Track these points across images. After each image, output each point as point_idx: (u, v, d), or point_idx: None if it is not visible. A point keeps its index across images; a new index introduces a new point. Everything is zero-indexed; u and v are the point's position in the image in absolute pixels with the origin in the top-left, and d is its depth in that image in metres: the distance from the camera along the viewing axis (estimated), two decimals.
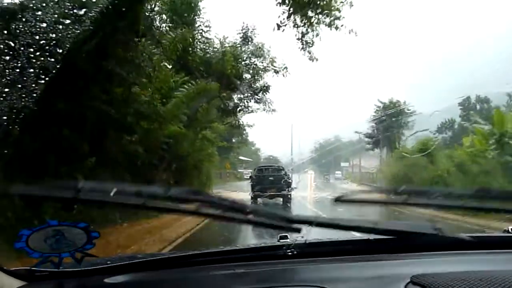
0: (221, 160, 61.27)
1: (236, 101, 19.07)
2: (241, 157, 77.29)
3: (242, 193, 28.19)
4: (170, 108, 12.12)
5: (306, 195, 25.88)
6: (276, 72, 17.75)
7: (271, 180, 20.03)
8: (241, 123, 22.21)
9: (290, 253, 1.50)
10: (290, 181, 20.42)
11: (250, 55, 17.55)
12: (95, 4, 6.84)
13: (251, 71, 17.95)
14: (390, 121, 39.56)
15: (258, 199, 19.64)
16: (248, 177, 26.37)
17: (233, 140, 67.15)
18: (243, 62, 17.38)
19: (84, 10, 6.45)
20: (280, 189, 19.33)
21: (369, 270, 1.43)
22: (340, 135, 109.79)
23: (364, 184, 53.76)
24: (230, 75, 16.00)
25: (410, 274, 1.26)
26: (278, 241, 1.62)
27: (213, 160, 22.19)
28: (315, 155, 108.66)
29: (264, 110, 19.21)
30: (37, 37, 5.69)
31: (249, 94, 18.74)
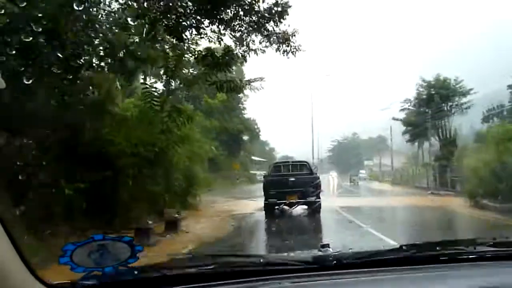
0: (228, 160, 51.47)
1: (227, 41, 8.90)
2: (253, 157, 67.93)
3: (247, 201, 20.38)
4: None
5: (335, 205, 17.34)
6: None
7: (293, 181, 14.45)
8: (241, 82, 11.89)
9: (336, 264, 1.43)
10: (318, 182, 14.78)
11: None
12: None
13: None
14: (439, 103, 29.51)
15: (275, 208, 14.64)
16: (262, 178, 20.14)
17: (244, 138, 57.30)
18: None
19: None
20: (305, 195, 14.03)
21: (428, 282, 1.35)
22: (358, 132, 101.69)
23: (402, 185, 44.46)
24: None
25: (472, 287, 1.21)
26: (319, 250, 1.56)
27: (197, 151, 12.50)
28: (332, 154, 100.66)
29: (279, 50, 8.78)
30: None
31: (249, 26, 8.58)
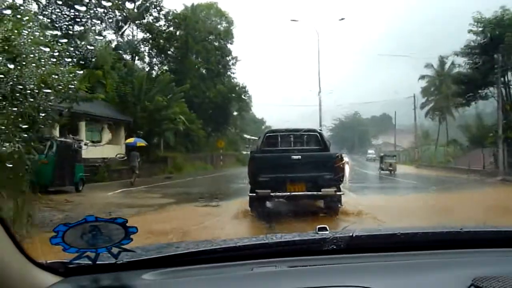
0: (211, 138, 41.72)
1: None
2: (245, 135, 56.74)
3: (202, 209, 10.82)
4: None
5: None
6: None
7: (298, 161, 9.03)
8: None
9: (334, 248, 1.41)
10: (339, 164, 9.47)
11: None
12: None
13: None
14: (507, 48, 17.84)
15: (267, 205, 9.68)
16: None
17: (232, 110, 45.67)
18: None
19: None
20: (317, 184, 8.97)
21: (424, 269, 1.31)
22: (359, 111, 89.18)
23: (434, 168, 34.19)
24: None
25: (469, 276, 1.18)
26: (316, 233, 1.56)
27: None
28: (334, 134, 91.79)
29: None
30: None
31: None
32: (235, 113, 48.38)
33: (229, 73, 43.96)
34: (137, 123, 24.74)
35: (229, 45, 44.65)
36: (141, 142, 22.51)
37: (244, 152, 52.52)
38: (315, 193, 9.03)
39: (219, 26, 44.93)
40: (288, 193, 8.98)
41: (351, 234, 1.43)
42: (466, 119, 48.13)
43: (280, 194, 9.08)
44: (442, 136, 48.81)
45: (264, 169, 9.13)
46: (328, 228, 1.53)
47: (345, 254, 1.39)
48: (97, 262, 1.22)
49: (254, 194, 9.05)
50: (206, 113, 39.81)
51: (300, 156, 9.15)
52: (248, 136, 59.42)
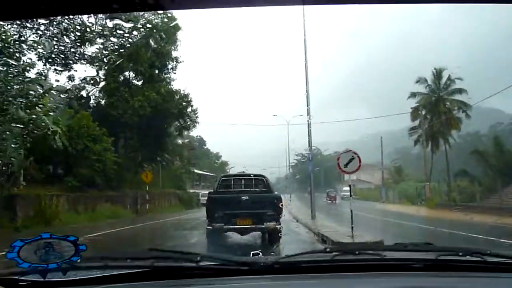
0: (139, 169, 30.40)
1: None
2: (195, 170, 43.83)
3: None
4: None
5: None
6: None
7: (246, 200, 11.98)
8: None
9: (262, 269, 1.60)
10: (279, 203, 12.57)
11: None
12: None
13: None
14: None
15: (222, 235, 12.80)
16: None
17: (171, 131, 32.04)
18: None
19: None
20: (261, 219, 11.81)
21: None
22: (318, 147, 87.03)
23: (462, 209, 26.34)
24: None
25: None
26: (250, 257, 1.83)
27: None
28: (295, 170, 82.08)
29: None
30: None
31: None
32: (179, 140, 35.28)
33: (166, 76, 31.02)
34: None
35: (174, 52, 31.66)
36: None
37: (192, 191, 38.78)
38: (259, 226, 11.76)
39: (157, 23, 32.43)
40: (238, 226, 11.88)
41: (274, 260, 1.65)
42: (475, 144, 38.62)
43: (231, 227, 11.90)
44: (439, 167, 39.53)
45: (218, 207, 11.75)
46: (260, 253, 1.88)
47: (273, 274, 1.55)
48: (47, 279, 1.28)
49: (210, 227, 11.82)
50: (131, 131, 26.42)
51: (247, 197, 11.85)
52: (200, 171, 45.97)
